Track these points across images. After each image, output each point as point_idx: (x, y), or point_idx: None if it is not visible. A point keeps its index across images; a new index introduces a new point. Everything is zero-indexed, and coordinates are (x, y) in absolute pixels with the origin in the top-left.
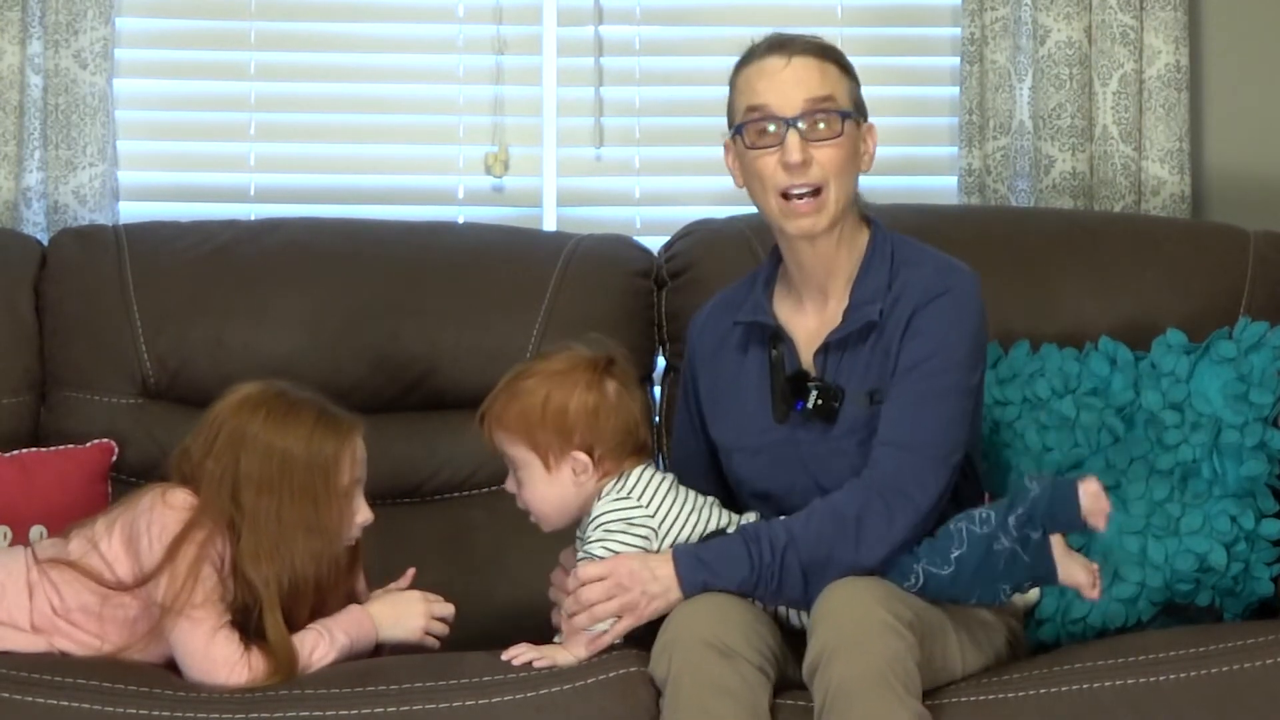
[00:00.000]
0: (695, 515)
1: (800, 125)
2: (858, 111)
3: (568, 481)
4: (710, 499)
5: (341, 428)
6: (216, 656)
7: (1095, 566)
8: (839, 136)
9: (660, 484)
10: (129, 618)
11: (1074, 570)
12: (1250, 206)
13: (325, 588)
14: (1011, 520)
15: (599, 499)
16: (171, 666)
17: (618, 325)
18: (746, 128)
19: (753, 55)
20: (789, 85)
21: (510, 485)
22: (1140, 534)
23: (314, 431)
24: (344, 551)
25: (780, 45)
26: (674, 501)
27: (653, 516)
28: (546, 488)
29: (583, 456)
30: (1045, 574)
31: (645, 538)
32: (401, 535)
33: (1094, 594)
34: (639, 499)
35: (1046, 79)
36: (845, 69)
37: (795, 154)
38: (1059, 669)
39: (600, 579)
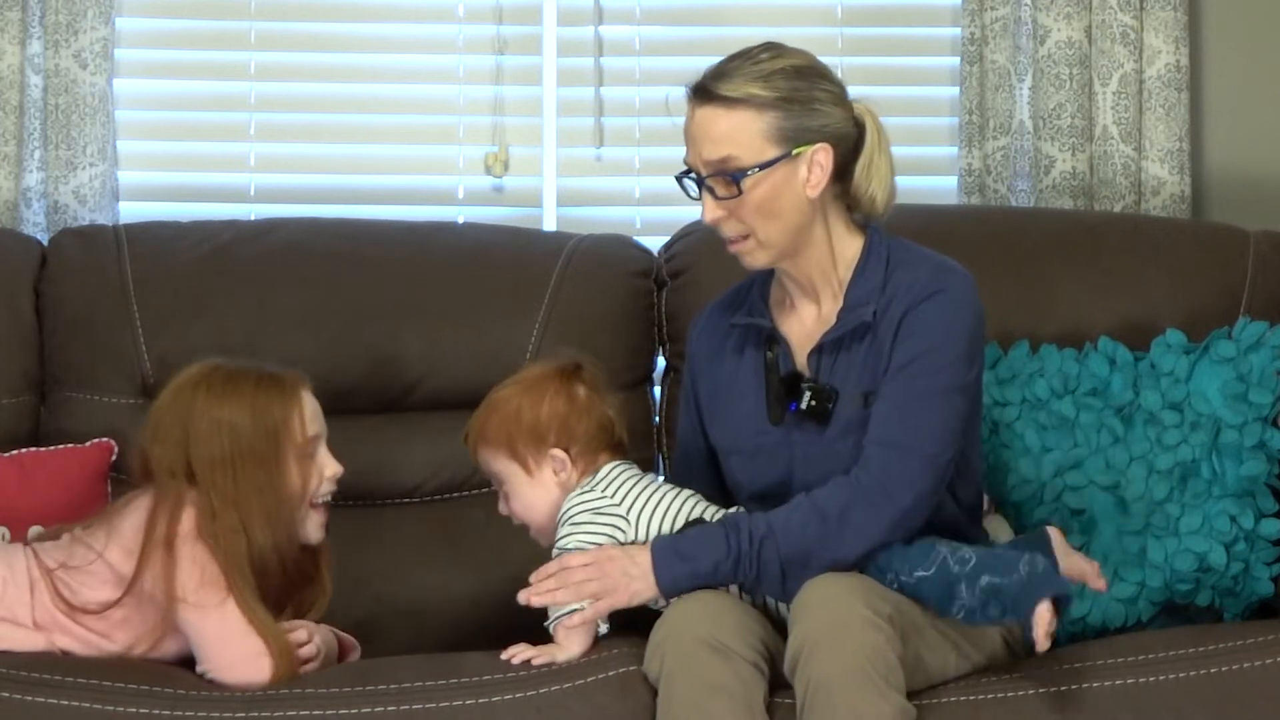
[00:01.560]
0: (668, 503)
1: (709, 185)
2: (790, 143)
3: (550, 483)
4: (688, 492)
5: (285, 387)
6: (248, 648)
7: (1096, 564)
8: (739, 196)
9: (629, 477)
10: (130, 619)
11: (1076, 563)
12: (1250, 206)
13: (289, 562)
14: (983, 581)
15: (574, 489)
16: (181, 664)
17: (618, 325)
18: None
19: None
20: (695, 143)
21: (502, 508)
22: (1140, 534)
23: (256, 396)
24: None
25: (692, 93)
26: (641, 492)
27: (619, 505)
28: (532, 493)
29: (559, 453)
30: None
31: (615, 525)
32: (402, 535)
33: (1100, 584)
34: (603, 491)
35: (1046, 79)
36: (766, 105)
37: (707, 215)
38: (1059, 669)
39: (585, 564)
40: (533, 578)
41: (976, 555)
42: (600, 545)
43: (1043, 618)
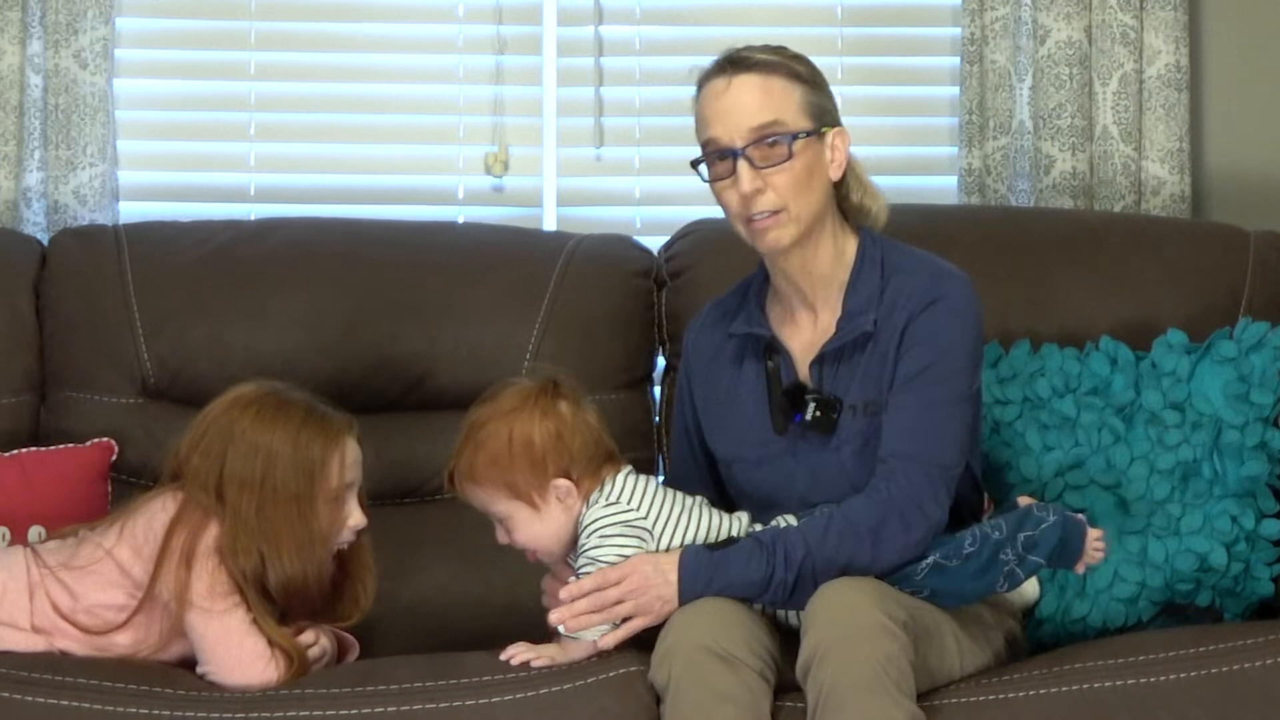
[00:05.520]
0: (686, 515)
1: (749, 154)
2: (818, 121)
3: (558, 512)
4: (699, 498)
5: (331, 428)
6: (249, 650)
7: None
8: (788, 160)
9: (645, 486)
10: (137, 622)
11: None
12: (1250, 206)
13: (315, 589)
14: (1021, 538)
15: (588, 508)
16: (181, 665)
17: (618, 325)
18: (704, 162)
19: (703, 79)
20: (733, 113)
21: (501, 538)
22: (1140, 534)
23: (301, 431)
24: (337, 554)
25: (721, 67)
26: (663, 502)
27: (645, 518)
28: (540, 526)
29: (563, 482)
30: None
31: (641, 539)
32: (401, 535)
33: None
34: (628, 502)
35: (1046, 79)
36: (798, 77)
37: (747, 185)
38: (1059, 669)
39: (618, 583)
40: (563, 594)
41: (1002, 521)
42: (628, 557)
43: (1094, 536)
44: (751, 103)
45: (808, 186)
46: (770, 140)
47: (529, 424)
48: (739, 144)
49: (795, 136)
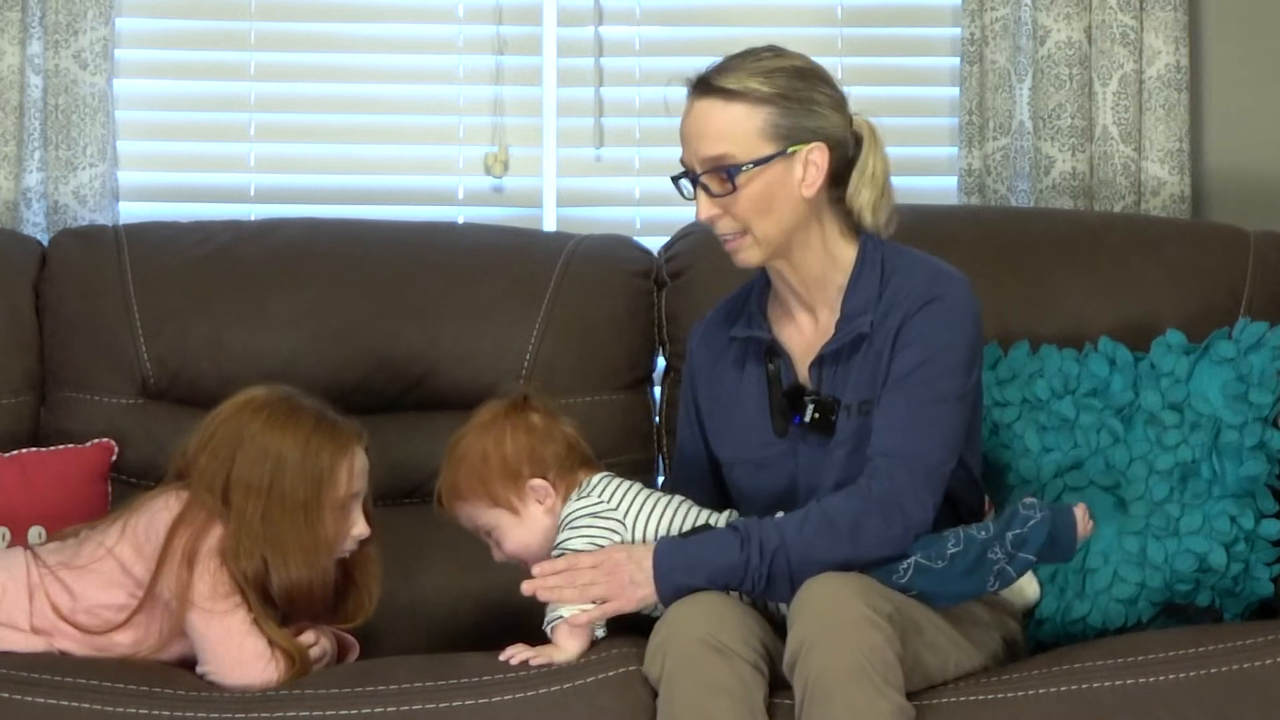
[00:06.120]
0: (663, 509)
1: (704, 182)
2: (786, 141)
3: (539, 515)
4: (680, 498)
5: (341, 437)
6: (249, 651)
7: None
8: (734, 192)
9: (620, 485)
10: (137, 622)
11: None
12: (1250, 206)
13: (318, 595)
14: (1009, 536)
15: (564, 505)
16: (181, 665)
17: (618, 325)
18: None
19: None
20: (690, 140)
21: (497, 555)
22: (1140, 534)
23: (311, 438)
24: (343, 560)
25: (692, 85)
26: (635, 495)
27: (616, 510)
28: (524, 532)
29: (539, 482)
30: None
31: (614, 530)
32: (402, 535)
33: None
34: (599, 496)
35: (1046, 79)
36: (763, 100)
37: (702, 212)
38: (1059, 669)
39: (592, 566)
40: (536, 570)
41: (990, 522)
42: (602, 547)
43: (1084, 517)
44: (705, 131)
45: (767, 210)
46: (715, 174)
47: (502, 435)
48: (697, 170)
49: (740, 169)
